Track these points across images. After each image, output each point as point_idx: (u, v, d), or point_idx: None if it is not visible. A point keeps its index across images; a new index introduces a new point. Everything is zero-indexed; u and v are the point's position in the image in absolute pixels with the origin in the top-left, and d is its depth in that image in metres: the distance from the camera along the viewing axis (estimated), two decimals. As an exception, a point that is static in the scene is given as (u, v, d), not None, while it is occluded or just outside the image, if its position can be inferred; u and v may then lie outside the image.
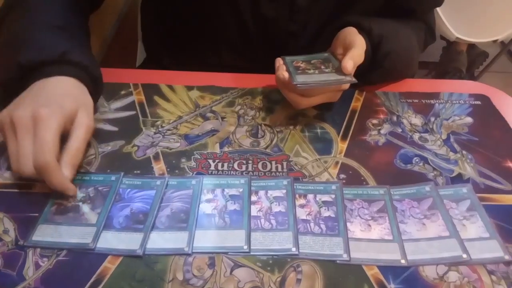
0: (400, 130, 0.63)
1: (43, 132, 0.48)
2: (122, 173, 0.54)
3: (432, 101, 0.69)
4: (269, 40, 0.74)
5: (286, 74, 0.60)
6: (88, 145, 0.58)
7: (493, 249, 0.47)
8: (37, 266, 0.44)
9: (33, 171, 0.47)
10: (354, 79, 0.58)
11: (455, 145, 0.61)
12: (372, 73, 0.69)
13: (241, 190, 0.53)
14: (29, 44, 0.57)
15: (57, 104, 0.51)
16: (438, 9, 1.54)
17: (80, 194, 0.51)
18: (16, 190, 0.52)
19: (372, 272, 0.45)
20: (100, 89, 0.62)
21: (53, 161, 0.47)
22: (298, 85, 0.58)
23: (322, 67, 0.62)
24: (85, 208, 0.49)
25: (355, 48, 0.60)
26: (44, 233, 0.47)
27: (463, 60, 1.92)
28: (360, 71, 0.66)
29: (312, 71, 0.61)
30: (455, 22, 1.60)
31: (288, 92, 0.63)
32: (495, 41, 1.64)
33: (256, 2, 0.71)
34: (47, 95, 0.52)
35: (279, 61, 0.64)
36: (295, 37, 0.74)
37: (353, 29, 0.65)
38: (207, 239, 0.47)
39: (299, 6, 0.71)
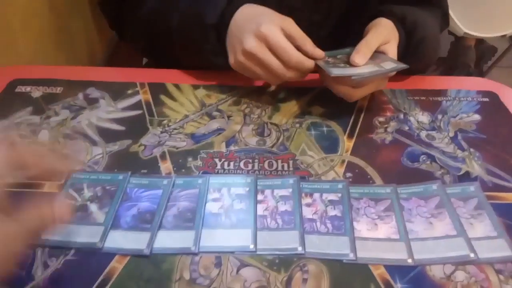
0: (407, 128, 0.63)
1: (275, 42, 0.57)
2: (129, 173, 0.54)
3: (439, 98, 0.68)
4: None
5: (330, 69, 0.59)
6: (95, 144, 0.58)
7: (501, 248, 0.47)
8: (45, 265, 0.44)
9: (289, 75, 0.59)
10: (404, 65, 0.59)
11: (463, 143, 0.60)
12: (406, 60, 0.68)
13: (247, 189, 0.53)
14: (200, 12, 0.64)
15: (262, 19, 0.59)
16: (446, 4, 1.53)
17: (88, 193, 0.51)
18: (25, 190, 0.52)
19: (379, 272, 0.45)
20: None
21: (299, 55, 0.58)
22: (353, 77, 0.58)
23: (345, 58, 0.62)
24: (93, 207, 0.50)
25: (368, 37, 0.61)
26: (53, 233, 0.47)
27: (471, 55, 1.90)
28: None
29: (345, 63, 0.61)
30: (463, 17, 1.58)
31: (338, 86, 0.62)
32: (503, 36, 1.62)
33: None
34: (246, 17, 0.61)
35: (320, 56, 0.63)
36: (317, 27, 0.74)
37: (377, 20, 0.65)
38: (213, 238, 0.47)
39: None
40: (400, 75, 0.73)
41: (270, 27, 0.58)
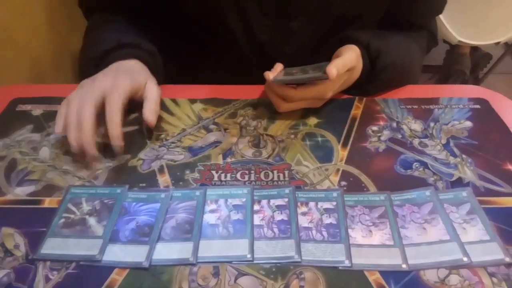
0: (400, 136, 0.64)
1: (118, 86, 0.59)
2: (127, 186, 0.55)
3: (431, 107, 0.70)
4: (264, 61, 0.75)
5: (269, 74, 0.63)
6: (95, 160, 0.59)
7: (493, 252, 0.48)
8: (47, 279, 0.45)
9: (96, 101, 0.57)
10: (325, 76, 0.59)
11: (455, 150, 0.61)
12: (369, 85, 0.70)
13: (244, 200, 0.54)
14: (94, 44, 0.70)
15: (130, 75, 0.62)
16: (439, 13, 1.55)
17: (86, 207, 0.52)
18: (26, 206, 0.53)
19: (374, 277, 0.46)
20: (159, 62, 0.72)
21: (120, 105, 0.58)
22: (273, 81, 0.62)
23: (310, 71, 0.63)
24: (92, 221, 0.51)
25: (340, 57, 0.62)
26: (53, 246, 0.48)
27: (466, 63, 1.92)
28: (358, 83, 0.68)
29: (298, 74, 0.63)
30: (456, 26, 1.60)
31: (270, 93, 0.67)
32: (497, 43, 1.64)
33: (250, 27, 0.72)
34: (122, 69, 0.64)
35: (276, 66, 0.66)
36: (290, 58, 0.74)
37: (349, 46, 0.66)
38: (211, 248, 0.48)
39: (293, 30, 0.73)
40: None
41: (125, 85, 0.60)
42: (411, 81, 0.76)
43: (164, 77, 0.72)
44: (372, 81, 0.70)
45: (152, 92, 0.63)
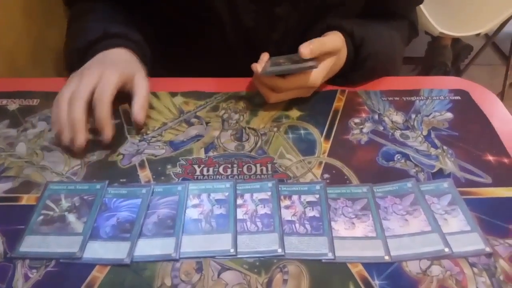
0: (382, 128, 0.64)
1: (106, 78, 0.59)
2: (107, 182, 0.54)
3: (412, 98, 0.70)
4: (251, 48, 0.75)
5: (257, 66, 0.63)
6: (73, 155, 0.58)
7: (474, 242, 0.48)
8: (26, 277, 0.44)
9: (85, 98, 0.57)
10: (314, 65, 0.60)
11: (436, 141, 0.62)
12: (354, 74, 0.70)
13: (226, 194, 0.53)
14: (79, 34, 0.70)
15: (119, 66, 0.62)
16: (420, 5, 1.56)
17: (65, 204, 0.51)
18: (3, 204, 0.52)
19: (357, 270, 0.46)
20: (147, 52, 0.71)
21: (110, 98, 0.58)
22: (261, 73, 0.62)
23: (297, 59, 0.62)
24: (71, 217, 0.50)
25: (319, 38, 0.63)
26: (31, 244, 0.47)
27: (448, 54, 1.94)
28: (342, 72, 0.68)
29: (286, 64, 0.62)
30: (437, 17, 1.61)
31: (259, 85, 0.66)
32: (478, 35, 1.66)
33: (236, 14, 0.72)
34: (110, 60, 0.64)
35: (262, 56, 0.66)
36: (277, 44, 0.75)
37: (332, 31, 0.66)
38: (194, 244, 0.48)
39: (278, 15, 0.72)
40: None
41: (115, 75, 0.60)
42: (394, 70, 0.77)
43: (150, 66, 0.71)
44: (356, 69, 0.70)
45: (141, 88, 0.62)
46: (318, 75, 0.63)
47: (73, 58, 0.67)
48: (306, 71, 0.62)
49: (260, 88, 0.67)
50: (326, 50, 0.62)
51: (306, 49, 0.60)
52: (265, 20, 0.73)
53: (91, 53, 0.65)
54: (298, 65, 0.61)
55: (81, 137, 0.56)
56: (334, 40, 0.64)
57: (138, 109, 0.61)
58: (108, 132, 0.58)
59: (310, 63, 0.61)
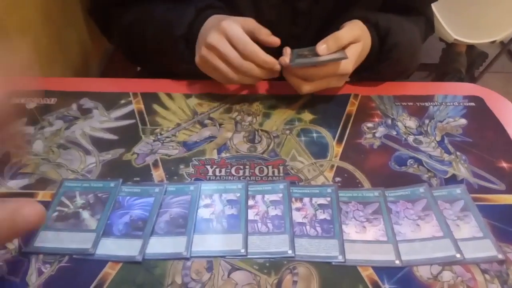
0: (394, 133, 0.64)
1: (233, 34, 0.61)
2: (121, 180, 0.55)
3: (426, 104, 0.70)
4: None
5: (285, 59, 0.63)
6: (89, 154, 0.59)
7: (486, 249, 0.48)
8: (40, 272, 0.45)
9: (246, 65, 0.61)
10: (344, 56, 0.60)
11: (449, 147, 0.62)
12: (380, 65, 0.71)
13: (238, 195, 0.54)
14: (169, 26, 0.69)
15: (223, 18, 0.63)
16: (435, 11, 1.55)
17: (80, 201, 0.52)
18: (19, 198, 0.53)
19: (367, 273, 0.46)
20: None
21: (254, 45, 0.61)
22: (292, 65, 0.62)
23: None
24: (85, 214, 0.51)
25: (339, 31, 0.63)
26: (46, 239, 0.48)
27: (462, 61, 1.92)
28: (369, 63, 0.68)
29: (310, 55, 0.62)
30: (452, 24, 1.61)
31: (290, 77, 0.66)
32: (493, 42, 1.64)
33: (259, 7, 0.73)
34: (212, 24, 0.65)
35: (285, 50, 0.66)
36: (298, 39, 0.75)
37: (348, 22, 0.67)
38: (205, 243, 0.48)
39: (300, 10, 0.73)
40: (388, 81, 0.75)
41: (230, 23, 0.62)
42: (414, 64, 0.77)
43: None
44: (382, 60, 0.70)
45: (250, 21, 0.65)
46: (348, 62, 0.63)
47: (180, 47, 0.68)
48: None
49: (291, 80, 0.66)
50: (343, 43, 0.62)
51: (322, 47, 0.61)
52: (288, 14, 0.74)
53: (193, 33, 0.67)
54: (328, 56, 0.61)
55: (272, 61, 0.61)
56: (350, 30, 0.64)
57: (266, 35, 0.64)
58: (277, 66, 0.62)
59: (338, 54, 0.61)
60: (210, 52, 0.63)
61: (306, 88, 0.65)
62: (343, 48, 0.63)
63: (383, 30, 0.68)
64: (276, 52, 0.65)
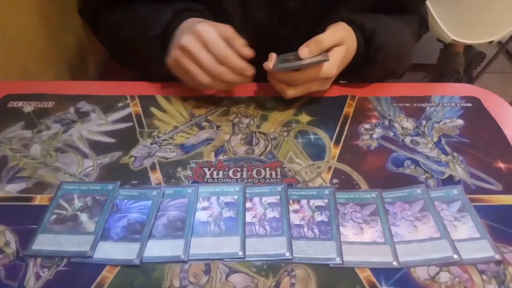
0: (392, 134, 0.64)
1: (208, 37, 0.60)
2: (119, 182, 0.55)
3: (423, 105, 0.70)
4: (261, 44, 0.75)
5: (269, 64, 0.63)
6: (86, 157, 0.59)
7: (483, 249, 0.48)
8: (37, 276, 0.45)
9: (219, 70, 0.60)
10: (326, 58, 0.61)
11: (446, 148, 0.62)
12: (367, 67, 0.71)
13: (236, 197, 0.54)
14: (146, 25, 0.68)
15: (199, 22, 0.62)
16: (433, 11, 1.55)
17: (78, 204, 0.52)
18: (17, 203, 0.53)
19: (365, 275, 0.46)
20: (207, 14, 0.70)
21: (229, 50, 0.60)
22: (275, 69, 0.62)
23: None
24: (83, 217, 0.51)
25: (322, 34, 0.63)
26: (44, 242, 0.48)
27: (460, 62, 1.93)
28: (355, 65, 0.68)
29: (295, 60, 0.62)
30: (450, 24, 1.61)
31: (274, 82, 0.66)
32: (490, 42, 1.64)
33: (247, 9, 0.72)
34: (188, 26, 0.64)
35: (270, 55, 0.66)
36: (287, 40, 0.75)
37: (333, 25, 0.67)
38: (203, 246, 0.48)
39: (289, 10, 0.73)
40: (386, 82, 0.75)
41: (205, 26, 0.61)
42: (404, 65, 0.77)
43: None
44: (369, 62, 0.70)
45: (227, 29, 0.63)
46: (331, 65, 0.63)
47: (154, 47, 0.67)
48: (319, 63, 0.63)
49: (275, 85, 0.67)
50: (325, 46, 0.62)
51: (304, 50, 0.61)
52: (276, 15, 0.74)
53: (169, 35, 0.65)
54: (310, 59, 0.61)
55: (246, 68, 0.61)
56: (332, 33, 0.64)
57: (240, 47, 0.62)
58: (250, 71, 0.62)
59: (320, 57, 0.61)
60: (182, 54, 0.62)
61: (291, 92, 0.65)
62: (327, 51, 0.63)
63: (369, 31, 0.68)
64: (263, 57, 0.65)
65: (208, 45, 0.60)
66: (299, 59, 0.61)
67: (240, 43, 0.62)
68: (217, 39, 0.60)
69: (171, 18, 0.66)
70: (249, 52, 0.62)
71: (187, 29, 0.62)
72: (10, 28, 0.87)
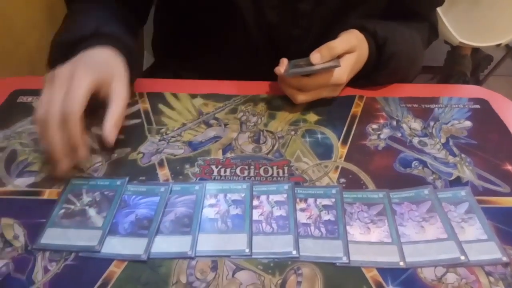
0: (399, 135, 0.64)
1: (76, 85, 0.52)
2: (127, 178, 0.55)
3: (431, 106, 0.70)
4: (272, 45, 0.75)
5: (280, 69, 0.63)
6: (95, 152, 0.59)
7: (491, 251, 0.48)
8: (45, 270, 0.45)
9: (57, 118, 0.51)
10: (337, 64, 0.61)
11: (454, 149, 0.62)
12: (378, 74, 0.71)
13: (243, 195, 0.54)
14: (68, 28, 0.67)
15: (93, 68, 0.55)
16: (440, 14, 1.55)
17: (86, 199, 0.53)
18: (26, 197, 0.53)
19: (371, 274, 0.46)
20: (135, 60, 0.66)
21: (78, 112, 0.51)
22: (286, 74, 0.63)
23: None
24: (92, 212, 0.51)
25: (334, 41, 0.63)
26: (52, 236, 0.48)
27: (467, 64, 1.92)
28: (366, 72, 0.68)
29: (306, 64, 0.63)
30: (458, 27, 1.60)
31: (285, 87, 0.67)
32: (498, 45, 1.64)
33: (260, 9, 0.73)
34: (85, 61, 0.57)
35: (282, 61, 0.66)
36: (298, 41, 0.76)
37: (345, 32, 0.67)
38: (209, 243, 0.48)
39: (302, 11, 0.73)
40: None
41: (87, 76, 0.53)
42: (415, 71, 0.77)
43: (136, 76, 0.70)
44: (380, 69, 0.70)
45: (117, 96, 0.56)
46: (341, 71, 0.64)
47: (57, 52, 0.63)
48: (329, 69, 0.63)
49: (286, 90, 0.67)
50: (337, 52, 0.62)
51: (316, 55, 0.61)
52: (289, 16, 0.74)
53: (77, 50, 0.59)
54: (321, 65, 0.62)
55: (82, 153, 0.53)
56: (346, 40, 0.65)
57: (109, 127, 0.54)
58: (81, 153, 0.53)
59: (331, 63, 0.62)
60: (49, 79, 0.54)
61: (301, 97, 0.66)
62: (338, 57, 0.63)
63: (381, 39, 0.68)
64: (275, 61, 0.66)
65: (69, 91, 0.52)
66: (311, 64, 0.62)
67: (110, 124, 0.54)
68: (79, 105, 0.51)
69: (87, 35, 0.62)
70: (108, 140, 0.54)
71: (76, 62, 0.56)
72: (18, 25, 0.87)
